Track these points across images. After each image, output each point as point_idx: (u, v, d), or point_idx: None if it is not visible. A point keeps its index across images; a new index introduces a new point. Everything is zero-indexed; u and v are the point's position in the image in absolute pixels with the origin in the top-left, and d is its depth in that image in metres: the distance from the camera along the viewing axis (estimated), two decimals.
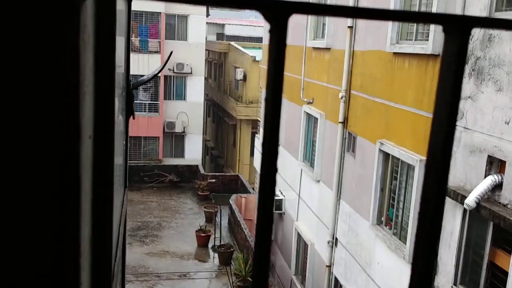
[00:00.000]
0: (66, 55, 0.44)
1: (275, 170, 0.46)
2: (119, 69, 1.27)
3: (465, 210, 6.54)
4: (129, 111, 1.53)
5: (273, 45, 0.45)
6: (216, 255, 17.20)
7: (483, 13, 6.46)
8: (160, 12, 25.86)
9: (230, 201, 19.72)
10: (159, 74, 25.77)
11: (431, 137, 0.51)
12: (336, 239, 11.10)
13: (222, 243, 17.57)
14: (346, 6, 0.46)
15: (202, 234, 17.97)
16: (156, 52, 25.89)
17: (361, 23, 10.15)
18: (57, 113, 0.45)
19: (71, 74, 0.44)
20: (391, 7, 8.73)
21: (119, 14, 1.35)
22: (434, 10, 7.49)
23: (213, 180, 23.61)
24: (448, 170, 0.51)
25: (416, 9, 8.29)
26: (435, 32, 7.45)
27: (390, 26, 8.78)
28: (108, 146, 0.63)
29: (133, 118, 1.69)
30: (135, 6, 24.48)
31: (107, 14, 0.60)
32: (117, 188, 1.11)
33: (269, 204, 0.47)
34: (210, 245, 18.07)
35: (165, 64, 3.23)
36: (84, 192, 0.52)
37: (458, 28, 0.48)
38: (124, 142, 1.59)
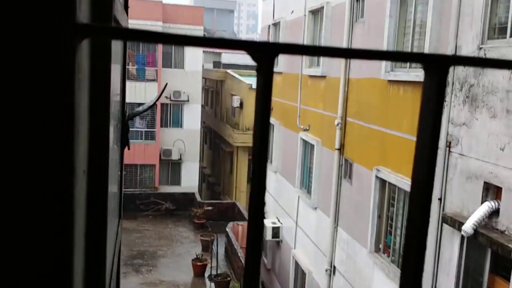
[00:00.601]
0: (61, 95, 0.45)
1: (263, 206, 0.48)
2: (115, 98, 1.29)
3: (462, 237, 6.52)
4: (124, 142, 1.54)
5: (260, 84, 0.47)
6: (213, 284, 16.96)
7: (476, 42, 6.58)
8: None
9: (227, 229, 19.57)
10: (156, 102, 25.89)
11: (414, 171, 0.53)
12: (334, 267, 11.00)
13: (218, 272, 17.35)
14: (328, 47, 0.49)
15: (199, 263, 17.76)
16: (153, 80, 26.09)
17: None
18: (51, 150, 0.46)
19: (65, 113, 0.46)
20: (385, 38, 8.87)
21: (114, 45, 1.38)
22: (427, 38, 7.62)
23: (210, 208, 23.48)
24: (430, 201, 0.52)
25: (410, 37, 8.44)
26: None
27: None
28: (102, 180, 0.64)
29: (128, 149, 1.70)
30: None
31: (102, 54, 0.62)
32: (111, 219, 1.11)
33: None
34: (206, 274, 17.83)
35: (160, 96, 3.27)
36: (78, 226, 0.53)
37: (437, 67, 0.50)
38: (119, 173, 1.60)
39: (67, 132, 0.46)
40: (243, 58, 37.92)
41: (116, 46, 1.48)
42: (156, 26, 25.89)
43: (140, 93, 24.78)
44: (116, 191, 1.50)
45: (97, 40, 0.64)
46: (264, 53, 0.47)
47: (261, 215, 0.50)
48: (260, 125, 0.49)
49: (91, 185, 0.63)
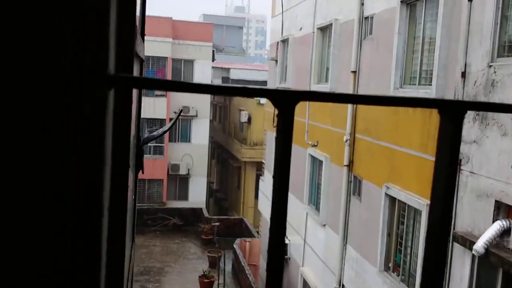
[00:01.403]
0: (94, 138, 0.47)
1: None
2: (132, 128, 1.31)
3: (473, 256, 6.45)
4: (138, 167, 1.56)
5: (281, 129, 0.49)
6: None
7: (485, 60, 6.57)
8: (167, 57, 26.42)
9: (234, 246, 19.47)
10: (165, 117, 26.05)
11: (430, 210, 0.53)
12: (343, 285, 10.89)
13: None
14: (346, 94, 0.50)
15: (206, 280, 17.66)
16: (162, 95, 26.27)
17: (365, 68, 10.32)
18: (83, 189, 0.48)
19: (96, 159, 0.48)
20: (394, 55, 8.89)
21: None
22: (436, 55, 7.63)
23: (217, 224, 23.41)
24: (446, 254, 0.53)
25: (419, 54, 8.45)
26: (438, 77, 7.57)
27: (393, 71, 8.93)
28: (121, 216, 0.66)
29: (142, 173, 1.72)
30: None
31: (125, 98, 0.65)
32: (126, 246, 1.13)
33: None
34: None
35: (174, 122, 3.31)
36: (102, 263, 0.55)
37: (452, 112, 0.51)
38: (133, 197, 1.62)
39: (98, 172, 0.48)
40: (251, 73, 38.12)
41: (136, 68, 1.51)
42: (166, 42, 26.16)
43: (149, 108, 24.95)
44: (130, 217, 1.51)
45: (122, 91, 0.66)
46: (285, 101, 0.48)
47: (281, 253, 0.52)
48: (280, 169, 0.50)
49: (111, 221, 0.64)
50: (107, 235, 0.62)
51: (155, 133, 3.44)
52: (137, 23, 1.45)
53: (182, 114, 26.90)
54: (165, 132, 3.50)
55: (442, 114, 0.53)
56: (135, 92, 1.33)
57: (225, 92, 0.48)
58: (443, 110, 0.52)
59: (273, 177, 0.52)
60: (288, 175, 0.51)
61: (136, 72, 1.36)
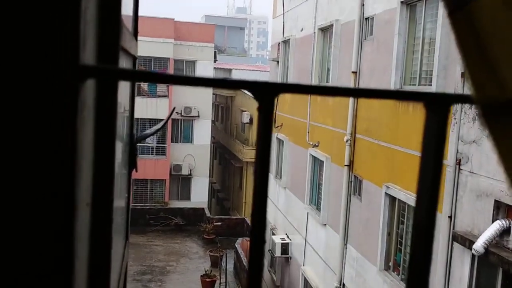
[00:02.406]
0: (63, 134, 0.47)
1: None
2: (123, 125, 1.30)
3: (473, 255, 6.43)
4: (132, 164, 1.56)
5: (261, 121, 0.48)
6: None
7: None
8: (169, 58, 26.43)
9: (236, 245, 19.48)
10: (164, 125, 26.01)
11: (416, 209, 0.53)
12: (344, 284, 10.88)
13: None
14: (330, 87, 0.49)
15: (207, 279, 17.66)
16: (164, 96, 26.28)
17: (365, 68, 10.31)
18: (53, 184, 0.47)
19: (67, 150, 0.47)
20: (394, 55, 8.88)
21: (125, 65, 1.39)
22: (436, 55, 7.62)
23: (219, 223, 23.42)
24: (432, 239, 0.52)
25: (419, 55, 8.44)
26: (438, 77, 7.56)
27: (393, 71, 8.92)
28: (106, 211, 0.65)
29: (136, 171, 1.72)
30: (144, 52, 25.06)
31: (109, 94, 0.64)
32: (117, 243, 1.12)
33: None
34: None
35: (167, 119, 3.30)
36: (80, 259, 0.54)
37: (438, 105, 0.51)
38: (127, 195, 1.61)
39: (69, 165, 0.47)
40: (253, 74, 38.15)
41: (127, 65, 1.51)
42: (168, 43, 26.18)
43: (151, 109, 24.97)
44: (124, 214, 1.51)
45: (105, 84, 0.65)
46: (266, 93, 0.47)
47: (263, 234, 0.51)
48: (261, 160, 0.49)
49: (94, 217, 0.63)
50: (90, 232, 0.61)
51: (148, 131, 3.43)
52: (130, 22, 1.44)
53: (184, 115, 26.92)
54: (158, 130, 3.49)
55: (427, 108, 0.52)
56: (125, 88, 1.32)
57: (204, 84, 0.47)
58: (428, 103, 0.51)
59: (254, 171, 0.52)
60: (268, 168, 0.50)
61: (129, 65, 1.35)
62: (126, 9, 1.20)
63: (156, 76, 0.47)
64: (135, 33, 1.63)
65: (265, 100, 0.48)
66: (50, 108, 0.46)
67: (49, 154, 0.46)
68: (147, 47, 24.64)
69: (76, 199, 0.49)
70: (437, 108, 0.50)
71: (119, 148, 1.13)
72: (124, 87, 1.35)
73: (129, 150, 1.46)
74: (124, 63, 1.15)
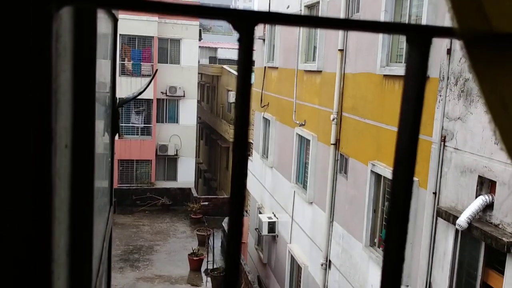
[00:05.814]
0: (37, 63, 0.45)
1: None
2: (105, 87, 1.28)
3: (457, 230, 6.55)
4: (115, 129, 1.54)
5: (241, 52, 0.47)
6: (209, 279, 17.00)
7: None
8: (153, 36, 26.09)
9: (223, 224, 19.60)
10: (152, 98, 25.85)
11: (397, 144, 0.52)
12: (330, 261, 11.03)
13: (215, 266, 17.39)
14: (306, 16, 0.48)
15: (195, 258, 17.79)
16: (149, 75, 26.00)
17: (352, 46, 10.28)
18: (28, 119, 0.45)
19: (42, 82, 0.45)
20: (380, 40, 8.85)
21: (104, 37, 1.37)
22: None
23: (206, 203, 23.50)
24: (412, 174, 0.52)
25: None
26: None
27: (380, 49, 8.91)
28: (87, 155, 0.63)
29: (119, 136, 1.70)
30: (128, 31, 24.71)
31: (87, 27, 0.61)
32: (100, 201, 1.11)
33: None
34: (203, 269, 17.87)
35: (149, 82, 3.27)
36: (60, 200, 0.52)
37: (420, 37, 0.50)
38: (110, 159, 1.59)
39: (44, 98, 0.45)
40: None
41: (106, 38, 1.47)
42: (151, 21, 25.81)
43: (136, 88, 24.68)
44: (107, 177, 1.49)
45: (82, 17, 0.63)
46: (245, 22, 0.46)
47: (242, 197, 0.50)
48: (241, 96, 0.49)
49: (76, 161, 0.62)
50: (69, 172, 0.60)
51: (130, 95, 3.39)
52: None
53: (170, 94, 26.71)
54: (140, 93, 3.47)
55: (409, 41, 0.51)
56: (106, 42, 1.29)
57: (177, 12, 0.45)
58: (410, 36, 0.51)
59: (235, 115, 0.51)
60: (249, 108, 0.49)
61: (107, 30, 1.32)
62: None
63: (137, 2, 0.45)
64: None
65: (245, 30, 0.46)
66: (22, 37, 0.44)
67: (21, 90, 0.44)
68: (131, 25, 24.27)
69: (54, 139, 0.47)
70: (420, 40, 0.49)
71: (101, 110, 1.11)
72: (105, 63, 1.32)
73: (111, 115, 1.44)
74: (106, 24, 1.12)
